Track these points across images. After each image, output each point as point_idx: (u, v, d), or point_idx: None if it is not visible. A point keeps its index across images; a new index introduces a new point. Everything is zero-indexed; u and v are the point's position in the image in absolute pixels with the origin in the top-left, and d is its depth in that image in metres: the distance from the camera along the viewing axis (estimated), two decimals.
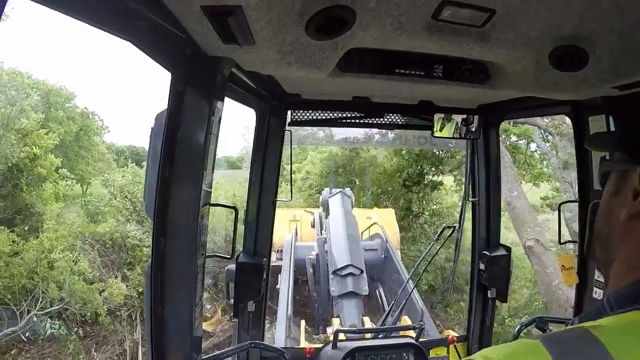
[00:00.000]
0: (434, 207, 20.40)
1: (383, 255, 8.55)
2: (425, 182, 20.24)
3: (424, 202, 20.26)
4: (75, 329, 12.61)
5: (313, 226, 10.07)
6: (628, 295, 0.87)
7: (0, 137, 14.56)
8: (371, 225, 10.09)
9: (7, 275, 11.95)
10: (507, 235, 12.85)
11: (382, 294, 8.10)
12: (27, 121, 15.60)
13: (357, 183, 20.69)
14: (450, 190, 20.63)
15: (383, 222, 10.20)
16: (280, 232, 9.09)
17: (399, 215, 17.56)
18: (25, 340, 11.98)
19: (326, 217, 9.24)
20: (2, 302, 12.02)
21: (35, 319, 12.08)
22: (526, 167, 15.67)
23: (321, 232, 9.04)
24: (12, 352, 11.88)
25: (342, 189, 10.27)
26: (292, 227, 10.16)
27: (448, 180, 20.58)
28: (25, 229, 14.44)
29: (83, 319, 12.75)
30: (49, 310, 12.37)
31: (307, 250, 8.37)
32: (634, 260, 0.92)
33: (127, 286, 14.41)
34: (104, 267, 14.46)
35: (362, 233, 9.28)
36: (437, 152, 19.54)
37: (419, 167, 19.93)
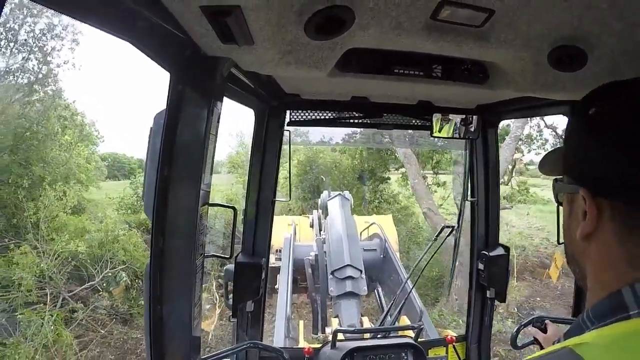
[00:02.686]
0: (384, 196, 24.14)
1: (382, 255, 8.50)
2: (376, 177, 23.90)
3: (375, 192, 23.85)
4: (136, 279, 14.47)
5: (312, 226, 10.05)
6: (604, 309, 0.91)
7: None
8: (370, 225, 10.06)
9: (85, 248, 13.84)
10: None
11: (381, 294, 8.08)
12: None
13: (324, 179, 22.52)
14: (394, 183, 24.78)
15: (382, 224, 10.19)
16: (279, 234, 9.11)
17: (357, 202, 19.72)
18: (100, 289, 14.00)
19: (325, 218, 9.24)
20: (83, 266, 14.09)
21: (110, 274, 14.15)
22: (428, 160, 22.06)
23: (320, 233, 9.02)
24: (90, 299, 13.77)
25: (340, 192, 10.27)
26: (290, 229, 10.13)
27: (396, 175, 24.77)
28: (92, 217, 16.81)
29: (140, 273, 14.40)
30: (118, 269, 14.35)
31: (306, 250, 8.33)
32: (600, 276, 0.97)
33: None
34: (145, 242, 15.93)
35: (360, 233, 9.25)
36: (385, 154, 23.34)
37: (370, 166, 23.80)
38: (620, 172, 0.90)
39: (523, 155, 22.75)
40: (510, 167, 20.76)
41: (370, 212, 20.67)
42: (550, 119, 18.65)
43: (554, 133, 19.28)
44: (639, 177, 0.88)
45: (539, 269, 17.95)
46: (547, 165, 1.19)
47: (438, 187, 22.09)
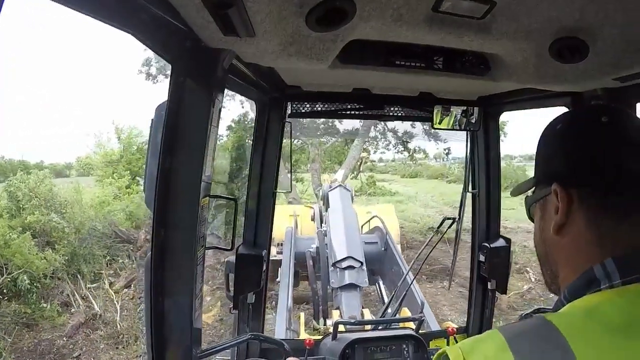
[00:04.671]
0: None
1: (383, 248, 8.51)
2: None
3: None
4: (34, 283, 13.31)
5: (313, 219, 10.06)
6: (580, 285, 1.02)
7: None
8: (371, 218, 10.05)
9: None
10: None
11: (382, 287, 8.10)
12: None
13: None
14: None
15: (383, 216, 10.18)
16: (280, 226, 9.17)
17: None
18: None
19: (326, 211, 9.25)
20: None
21: (8, 279, 12.90)
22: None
23: (321, 225, 9.04)
24: None
25: (341, 184, 10.29)
26: (292, 221, 10.13)
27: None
28: None
29: (37, 276, 13.58)
30: (14, 273, 13.20)
31: (308, 243, 8.37)
32: (572, 261, 1.08)
33: None
34: (35, 245, 15.16)
35: (362, 227, 9.25)
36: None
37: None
38: (584, 163, 1.08)
39: (369, 154, 26.12)
40: (358, 164, 23.89)
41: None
42: (391, 124, 21.53)
43: (395, 135, 22.60)
44: (597, 165, 1.06)
45: None
46: (517, 191, 1.37)
47: (297, 182, 25.13)
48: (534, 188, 1.25)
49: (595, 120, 1.10)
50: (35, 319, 11.82)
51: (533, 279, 14.38)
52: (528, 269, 14.84)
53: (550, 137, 1.20)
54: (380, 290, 8.13)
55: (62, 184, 17.35)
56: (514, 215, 21.68)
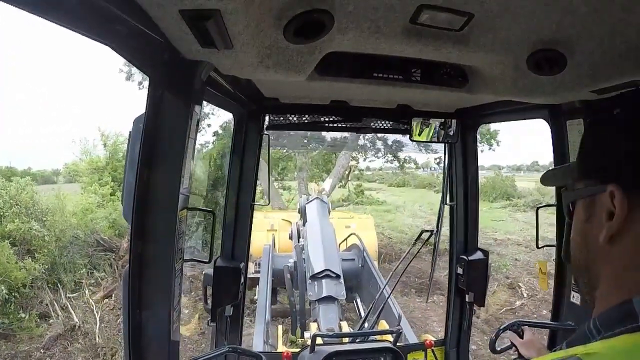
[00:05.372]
0: None
1: (360, 265, 8.59)
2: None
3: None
4: (11, 293, 12.86)
5: (291, 238, 10.05)
6: (614, 317, 0.86)
7: None
8: (349, 236, 10.07)
9: None
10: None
11: (360, 305, 8.12)
12: None
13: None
14: None
15: (361, 229, 10.19)
16: (258, 241, 9.20)
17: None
18: None
19: (303, 225, 9.27)
20: None
21: None
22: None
23: (299, 240, 9.06)
24: None
25: (317, 196, 10.33)
26: (269, 237, 10.14)
27: None
28: None
29: (15, 286, 13.11)
30: None
31: (285, 260, 8.40)
32: (619, 280, 0.92)
33: None
34: (15, 253, 14.82)
35: (339, 245, 9.27)
36: None
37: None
38: None
39: (358, 163, 25.72)
40: (346, 172, 23.64)
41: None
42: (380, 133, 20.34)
43: (384, 144, 22.06)
44: None
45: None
46: (551, 179, 1.23)
47: (284, 190, 25.65)
48: (573, 181, 1.08)
49: None
50: (13, 330, 11.48)
51: (525, 295, 14.09)
52: (520, 284, 14.57)
53: (611, 124, 1.00)
54: (358, 307, 8.14)
55: (48, 190, 17.03)
56: (502, 226, 21.73)
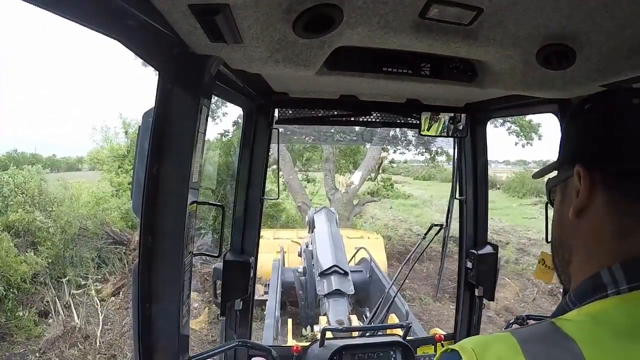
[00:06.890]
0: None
1: (368, 275, 8.69)
2: None
3: None
4: (10, 289, 12.10)
5: (300, 255, 10.06)
6: (587, 290, 0.99)
7: None
8: (357, 251, 10.06)
9: None
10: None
11: (370, 316, 8.15)
12: None
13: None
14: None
15: (371, 250, 10.18)
16: (267, 264, 9.44)
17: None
18: None
19: (312, 232, 9.32)
20: None
21: None
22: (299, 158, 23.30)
23: (307, 246, 9.09)
24: None
25: (325, 207, 10.45)
26: (279, 256, 10.21)
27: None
28: None
29: (15, 281, 12.32)
30: None
31: (294, 272, 8.56)
32: (589, 253, 1.04)
33: None
34: (16, 246, 14.17)
35: (348, 262, 9.26)
36: None
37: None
38: (611, 145, 1.02)
39: (388, 154, 24.42)
40: (377, 165, 22.49)
41: None
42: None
43: (416, 135, 20.88)
44: (629, 149, 1.00)
45: (405, 255, 18.03)
46: (539, 173, 1.36)
47: (308, 183, 24.17)
48: (557, 171, 1.20)
49: (626, 101, 1.05)
50: (10, 329, 10.82)
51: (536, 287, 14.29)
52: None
53: (578, 116, 1.16)
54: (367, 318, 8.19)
55: (72, 178, 16.72)
56: (535, 224, 21.65)
